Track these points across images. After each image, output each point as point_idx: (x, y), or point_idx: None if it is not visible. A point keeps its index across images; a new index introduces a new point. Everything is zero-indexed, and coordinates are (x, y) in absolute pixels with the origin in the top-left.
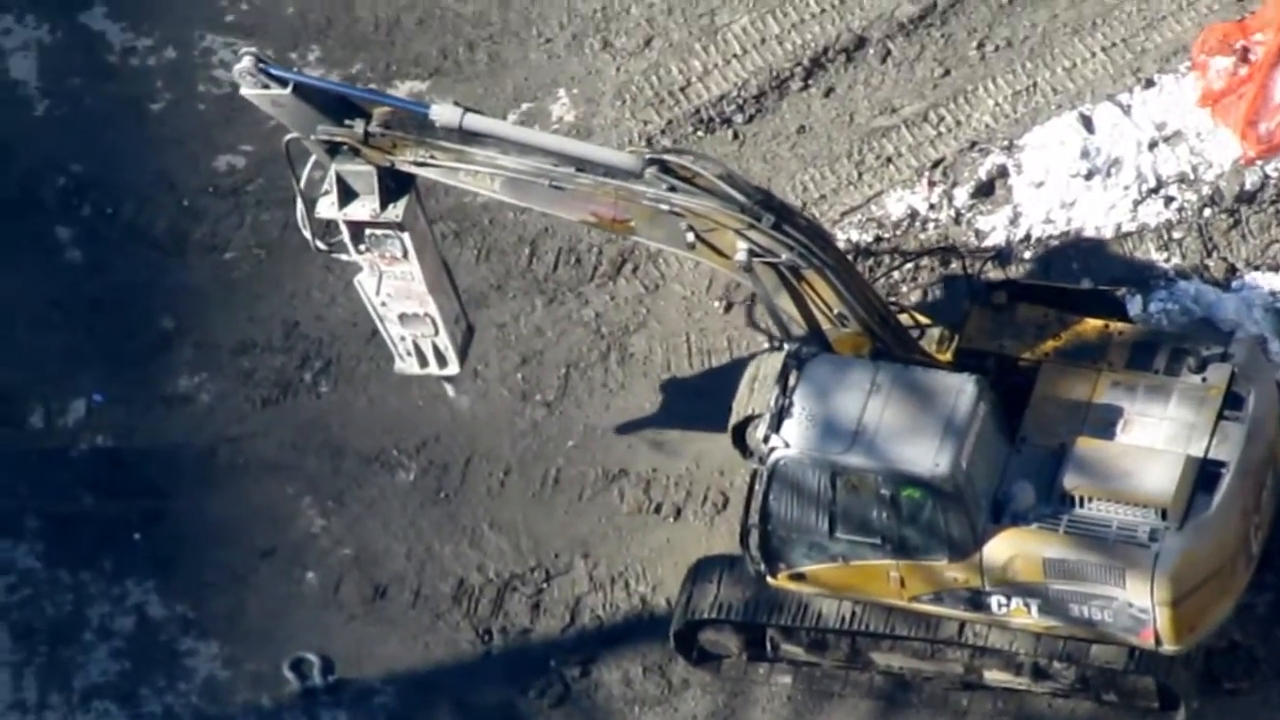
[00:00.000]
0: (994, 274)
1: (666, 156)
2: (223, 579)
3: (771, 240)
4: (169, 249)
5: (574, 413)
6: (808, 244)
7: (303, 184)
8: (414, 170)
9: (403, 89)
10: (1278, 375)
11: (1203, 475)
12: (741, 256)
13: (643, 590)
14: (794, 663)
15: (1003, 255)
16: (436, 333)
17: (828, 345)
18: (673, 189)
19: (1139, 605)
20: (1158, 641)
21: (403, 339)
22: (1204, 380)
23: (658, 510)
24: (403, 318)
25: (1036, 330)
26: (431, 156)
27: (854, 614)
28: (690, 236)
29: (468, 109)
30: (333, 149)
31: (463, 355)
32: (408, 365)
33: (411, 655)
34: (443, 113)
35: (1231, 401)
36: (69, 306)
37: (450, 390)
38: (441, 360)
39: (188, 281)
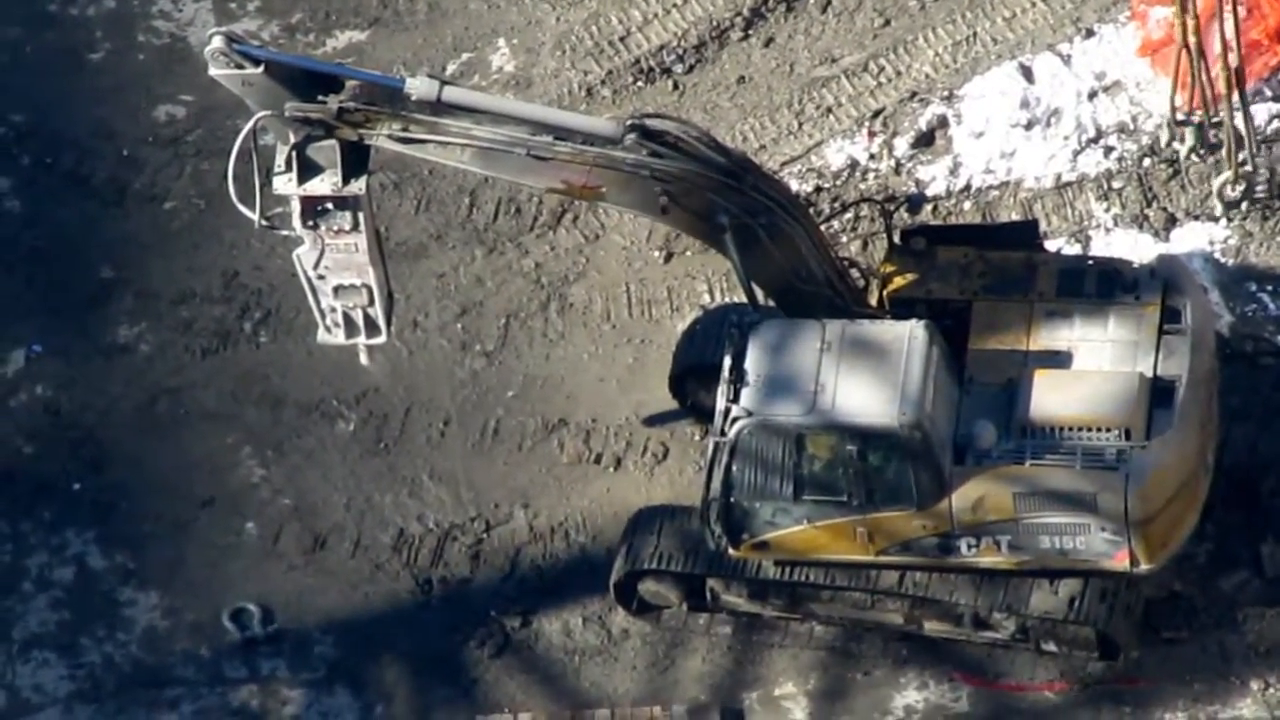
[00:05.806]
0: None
1: (647, 122)
2: (162, 529)
3: (751, 201)
4: (108, 199)
5: (514, 363)
6: (784, 204)
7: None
8: (387, 145)
9: (342, 39)
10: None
11: (1155, 392)
12: (721, 218)
13: (582, 540)
14: (734, 613)
15: (914, 202)
16: (370, 302)
17: (791, 305)
18: (654, 154)
19: (1112, 528)
20: (1133, 562)
21: (333, 310)
22: (1137, 299)
23: (598, 460)
24: (338, 289)
25: (960, 271)
26: (405, 130)
27: (794, 565)
28: (664, 200)
29: (444, 81)
30: (298, 125)
31: (389, 322)
32: (334, 335)
33: (351, 605)
34: (419, 85)
35: (1168, 316)
36: (8, 256)
37: (364, 357)
38: (372, 328)
39: (127, 231)
